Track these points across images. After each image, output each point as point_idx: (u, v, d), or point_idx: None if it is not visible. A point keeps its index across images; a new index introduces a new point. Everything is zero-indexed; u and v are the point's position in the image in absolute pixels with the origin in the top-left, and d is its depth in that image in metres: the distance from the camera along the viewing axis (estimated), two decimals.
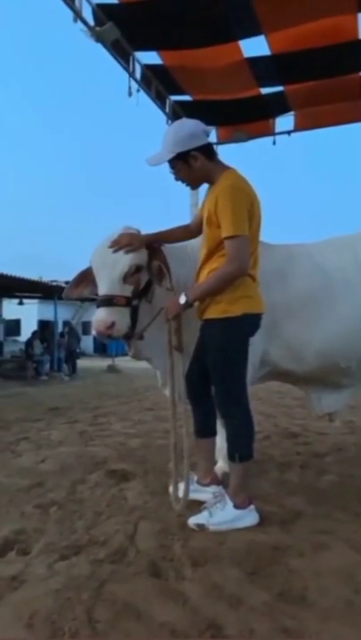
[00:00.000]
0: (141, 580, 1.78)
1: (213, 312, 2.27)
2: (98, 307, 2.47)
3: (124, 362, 16.49)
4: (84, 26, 4.34)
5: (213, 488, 2.46)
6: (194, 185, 2.47)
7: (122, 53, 4.85)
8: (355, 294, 2.78)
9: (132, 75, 5.10)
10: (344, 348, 2.77)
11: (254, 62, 5.06)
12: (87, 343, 25.60)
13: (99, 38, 4.36)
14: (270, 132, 6.44)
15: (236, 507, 2.23)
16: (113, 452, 3.70)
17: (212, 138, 6.80)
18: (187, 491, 2.34)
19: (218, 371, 2.32)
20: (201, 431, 2.59)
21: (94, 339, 26.37)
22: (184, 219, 6.88)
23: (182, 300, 2.31)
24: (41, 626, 1.51)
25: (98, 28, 4.34)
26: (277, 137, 6.45)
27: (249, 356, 2.51)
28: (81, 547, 2.05)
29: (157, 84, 5.55)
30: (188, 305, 2.33)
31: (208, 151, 2.32)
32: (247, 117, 6.20)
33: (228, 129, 6.57)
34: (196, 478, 2.54)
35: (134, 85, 5.23)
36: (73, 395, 8.30)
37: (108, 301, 2.43)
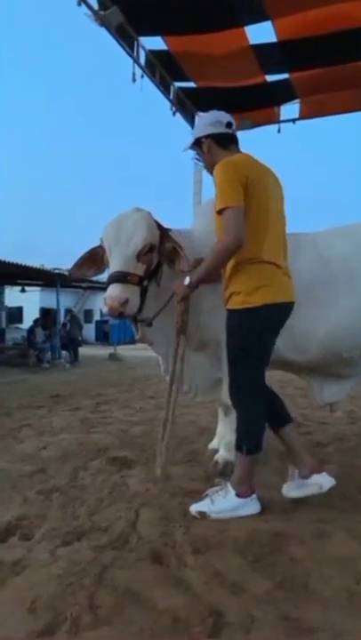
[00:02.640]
0: (143, 566, 1.79)
1: (234, 303, 2.24)
2: (110, 283, 2.44)
3: (125, 350, 16.52)
4: (88, 9, 4.28)
5: (315, 478, 2.27)
6: (210, 171, 2.45)
7: (126, 38, 4.79)
8: (358, 285, 2.76)
9: (136, 60, 5.05)
10: (347, 339, 2.76)
11: (260, 49, 4.99)
12: (89, 331, 25.62)
13: (103, 22, 4.31)
14: (275, 119, 6.38)
15: (238, 495, 2.24)
16: (115, 439, 3.71)
17: None
18: (163, 460, 2.44)
19: (232, 361, 2.30)
20: (271, 421, 2.39)
21: (96, 326, 26.40)
22: (188, 205, 6.85)
23: (186, 281, 2.32)
24: (43, 611, 1.53)
25: (102, 12, 4.29)
26: (282, 125, 6.40)
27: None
28: (83, 533, 2.06)
29: (161, 70, 5.49)
30: (193, 286, 2.33)
31: (221, 139, 2.38)
32: (252, 105, 6.13)
33: (233, 116, 6.50)
34: (296, 473, 2.35)
35: (138, 71, 5.17)
36: (75, 382, 8.31)
37: (123, 278, 2.41)
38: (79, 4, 4.12)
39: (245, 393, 2.30)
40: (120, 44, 4.77)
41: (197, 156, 2.50)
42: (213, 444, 3.20)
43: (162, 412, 4.80)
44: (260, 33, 4.79)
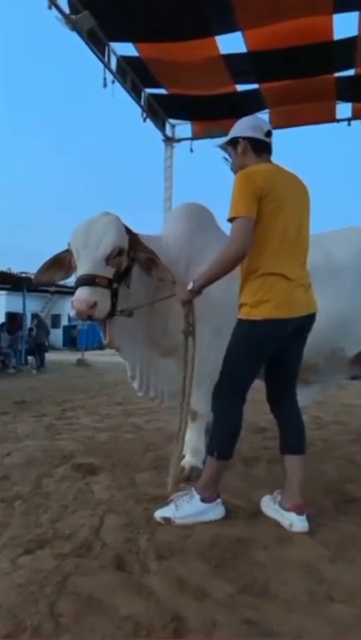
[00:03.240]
0: (106, 573, 1.77)
1: (241, 313, 2.24)
2: (78, 286, 2.42)
3: (94, 356, 16.38)
4: (59, 13, 4.27)
5: (291, 515, 2.17)
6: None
7: (97, 43, 4.80)
8: (323, 293, 2.82)
9: (107, 65, 5.06)
10: (312, 346, 2.80)
11: (230, 59, 5.08)
12: (56, 336, 25.31)
13: (74, 26, 4.31)
14: None
15: (202, 500, 2.23)
16: (80, 445, 3.67)
17: (187, 133, 6.81)
18: (175, 475, 2.41)
19: (223, 367, 2.28)
20: (282, 446, 2.35)
21: (64, 331, 26.09)
22: (158, 212, 6.87)
23: (190, 286, 2.34)
24: (3, 620, 1.49)
25: (73, 16, 4.29)
26: None
27: (221, 348, 2.52)
28: (46, 540, 2.03)
29: (133, 75, 5.52)
30: (196, 292, 2.34)
31: (257, 145, 2.35)
32: (222, 114, 6.21)
33: (203, 124, 6.58)
34: (279, 499, 2.29)
35: (109, 77, 5.18)
36: (41, 388, 8.19)
37: (91, 280, 2.40)
38: (50, 8, 4.11)
39: (225, 399, 2.28)
40: (91, 49, 4.78)
41: (226, 156, 2.46)
42: None
43: (128, 419, 4.80)
44: (231, 43, 4.88)
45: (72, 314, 2.45)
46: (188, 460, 2.91)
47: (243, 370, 2.28)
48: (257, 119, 2.46)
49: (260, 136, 2.34)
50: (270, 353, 2.27)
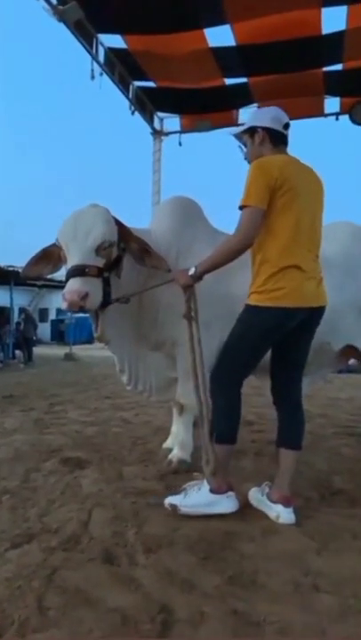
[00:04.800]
0: (94, 566, 1.78)
1: (249, 299, 2.23)
2: (68, 278, 2.41)
3: (82, 350, 16.34)
4: (46, 4, 4.23)
5: (278, 507, 2.18)
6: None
7: (85, 35, 4.76)
8: None
9: (95, 57, 5.02)
10: None
11: (219, 52, 5.06)
12: (44, 330, 25.17)
13: (61, 17, 4.26)
14: (233, 122, 6.46)
15: (212, 491, 2.20)
16: (68, 439, 3.66)
17: (176, 126, 6.79)
18: (212, 455, 2.23)
19: (223, 350, 2.29)
20: (280, 440, 2.33)
21: (52, 325, 25.95)
22: (147, 205, 6.84)
23: (191, 271, 2.32)
24: None
25: (60, 7, 4.24)
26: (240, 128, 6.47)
27: (208, 343, 2.53)
28: (33, 534, 2.03)
29: (121, 68, 5.48)
30: (197, 277, 2.33)
31: (274, 136, 2.33)
32: (211, 107, 6.21)
33: (192, 118, 6.56)
34: (267, 490, 2.30)
35: (97, 68, 5.14)
36: (29, 383, 8.15)
37: (81, 271, 2.39)
38: None
39: (223, 384, 2.27)
40: (79, 41, 4.73)
41: (242, 145, 2.43)
42: (168, 444, 3.21)
43: (117, 412, 4.80)
44: (220, 36, 4.86)
45: (64, 306, 2.43)
46: (176, 453, 2.92)
47: (245, 356, 2.27)
48: (277, 110, 2.40)
49: (279, 128, 2.33)
50: (274, 342, 2.27)
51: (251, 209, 2.12)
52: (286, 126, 2.35)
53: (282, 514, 2.17)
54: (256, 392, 5.82)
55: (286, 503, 2.19)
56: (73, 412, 4.94)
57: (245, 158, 2.42)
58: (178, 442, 2.98)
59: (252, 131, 2.35)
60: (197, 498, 2.20)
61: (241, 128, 2.42)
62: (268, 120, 2.32)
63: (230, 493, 2.25)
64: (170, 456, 2.93)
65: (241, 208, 2.15)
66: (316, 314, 2.26)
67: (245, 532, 2.05)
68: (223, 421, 2.26)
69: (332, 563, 1.81)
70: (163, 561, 1.81)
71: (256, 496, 2.33)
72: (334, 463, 2.95)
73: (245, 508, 2.29)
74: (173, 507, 2.20)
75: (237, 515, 2.23)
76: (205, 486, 2.22)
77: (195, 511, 2.18)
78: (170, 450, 3.03)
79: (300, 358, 2.38)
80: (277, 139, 2.33)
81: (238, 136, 2.44)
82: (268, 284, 2.16)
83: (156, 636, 1.39)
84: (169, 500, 2.23)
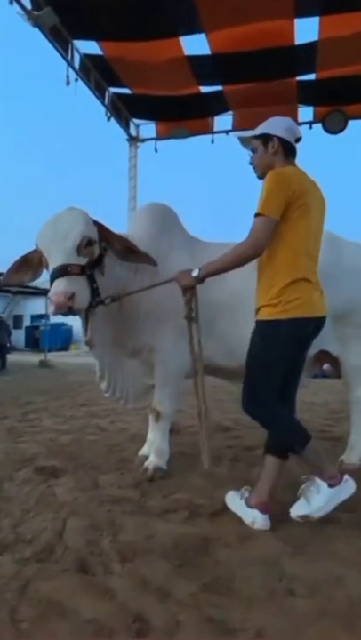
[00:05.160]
0: (68, 576, 1.76)
1: (263, 314, 2.22)
2: (52, 280, 2.39)
3: (57, 357, 16.17)
4: (21, 9, 4.20)
5: (255, 513, 2.19)
6: (260, 171, 2.37)
7: (60, 41, 4.75)
8: None
9: (70, 63, 5.01)
10: None
11: (194, 60, 5.11)
12: (18, 337, 24.84)
13: (36, 23, 4.24)
14: (209, 130, 6.52)
15: (330, 486, 2.16)
16: (43, 448, 3.61)
17: (151, 133, 6.81)
18: (207, 449, 2.39)
19: (252, 367, 2.26)
20: (270, 447, 2.32)
21: (27, 332, 25.63)
22: (122, 209, 6.84)
23: (195, 273, 2.32)
24: None
25: (35, 12, 4.22)
26: (215, 135, 6.55)
27: (186, 350, 2.54)
28: (6, 546, 1.99)
29: (96, 74, 5.48)
30: (200, 279, 2.33)
31: (288, 148, 2.33)
32: (186, 115, 6.25)
33: (168, 125, 6.60)
34: (246, 495, 2.30)
35: (72, 74, 5.13)
36: (2, 390, 8.02)
37: (64, 270, 2.38)
38: (11, 3, 4.03)
39: (268, 402, 2.24)
40: (54, 46, 4.72)
41: (252, 151, 2.38)
42: (144, 451, 3.20)
43: (92, 420, 4.76)
44: (195, 45, 4.91)
45: (51, 310, 2.40)
46: (152, 460, 2.91)
47: (275, 371, 2.24)
48: (291, 122, 2.42)
49: (292, 140, 2.34)
50: (296, 352, 2.30)
51: (266, 219, 2.14)
52: (298, 140, 2.37)
53: (257, 519, 2.17)
54: (232, 398, 5.86)
55: (264, 509, 2.19)
56: (47, 420, 4.87)
57: (251, 163, 2.41)
58: (154, 449, 2.96)
59: (266, 138, 2.32)
60: (322, 499, 2.15)
61: (252, 132, 2.38)
62: (282, 130, 2.31)
63: (346, 477, 2.20)
64: (146, 463, 2.92)
65: (256, 215, 2.17)
66: (320, 324, 2.29)
67: (221, 538, 2.05)
68: (289, 432, 2.24)
69: (306, 567, 1.83)
70: (138, 569, 1.80)
71: (234, 499, 2.33)
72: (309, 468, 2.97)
73: (220, 515, 2.29)
74: (304, 517, 2.15)
75: (213, 521, 2.23)
76: (322, 484, 2.17)
77: (326, 510, 2.13)
78: (146, 457, 3.02)
79: (298, 368, 2.40)
80: (289, 150, 2.34)
81: (246, 140, 2.41)
82: (283, 296, 2.17)
83: None
84: (297, 512, 2.18)
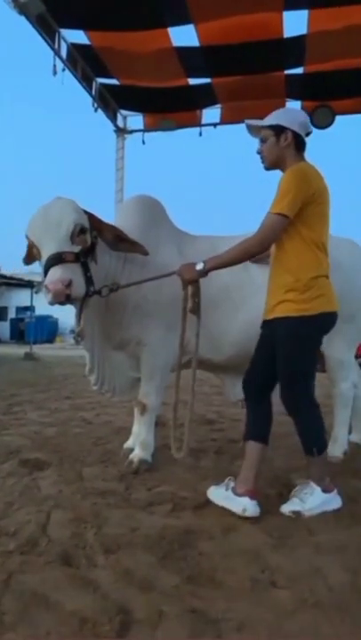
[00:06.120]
0: (52, 569, 1.76)
1: (289, 310, 2.24)
2: (47, 269, 2.38)
3: (42, 349, 16.08)
4: None
5: (245, 500, 2.21)
6: (268, 163, 2.37)
7: (47, 29, 4.67)
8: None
9: (57, 52, 4.93)
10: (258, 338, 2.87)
11: (183, 51, 5.06)
12: (3, 329, 24.65)
13: (21, 10, 4.17)
14: (197, 122, 6.48)
15: (324, 491, 2.26)
16: (27, 441, 3.60)
17: (139, 125, 6.76)
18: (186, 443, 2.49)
19: (290, 368, 2.28)
20: (250, 433, 2.37)
21: (11, 324, 25.42)
22: (109, 202, 6.79)
23: (199, 266, 2.33)
24: None
25: (21, 0, 4.15)
26: (203, 128, 6.51)
27: (172, 344, 2.55)
28: None
29: (84, 64, 5.40)
30: (204, 273, 2.34)
31: (300, 142, 2.33)
32: (174, 107, 6.20)
33: (155, 116, 6.54)
34: (232, 485, 2.32)
35: (59, 64, 5.06)
36: None
37: (58, 258, 2.37)
38: None
39: (307, 399, 2.30)
40: (41, 35, 4.64)
41: (261, 141, 2.36)
42: (129, 444, 3.20)
43: (77, 413, 4.75)
44: (184, 36, 4.86)
45: (48, 299, 2.39)
46: (137, 453, 2.91)
47: (309, 364, 2.33)
48: (305, 116, 2.43)
49: (303, 134, 2.34)
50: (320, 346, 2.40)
51: (280, 217, 2.16)
52: (308, 134, 2.37)
53: (248, 507, 2.20)
54: (216, 391, 5.89)
55: (252, 496, 2.24)
56: (32, 413, 4.85)
57: (258, 152, 2.39)
58: (139, 442, 2.97)
59: (279, 129, 2.30)
60: (315, 500, 2.24)
61: (264, 122, 2.35)
62: (298, 125, 2.31)
63: (335, 491, 2.31)
64: (131, 456, 2.92)
65: (270, 212, 2.18)
66: (336, 318, 2.35)
67: (205, 530, 2.07)
68: (317, 434, 2.32)
69: (288, 558, 1.85)
70: (122, 561, 1.80)
71: (219, 492, 2.34)
72: (292, 460, 3.01)
73: (204, 507, 2.31)
74: (296, 513, 2.21)
75: (197, 513, 2.25)
76: (316, 488, 2.26)
77: (314, 512, 2.21)
78: (131, 450, 3.02)
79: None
80: (300, 145, 2.35)
81: (255, 129, 2.39)
82: (310, 292, 2.22)
83: (114, 638, 1.39)
84: (289, 508, 2.24)
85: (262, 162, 2.39)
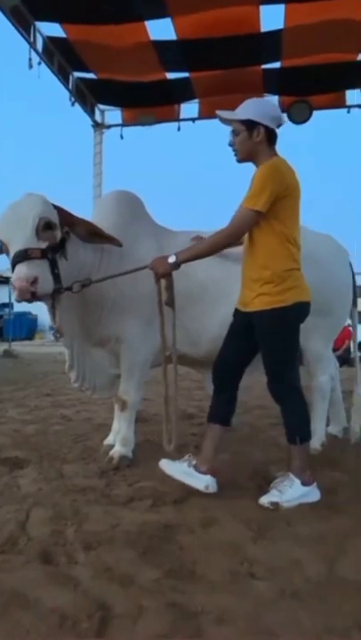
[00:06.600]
0: (32, 567, 1.75)
1: (266, 303, 2.28)
2: (14, 266, 2.36)
3: (22, 346, 15.91)
4: None
5: (207, 478, 2.34)
6: (241, 156, 2.38)
7: (22, 22, 4.60)
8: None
9: (32, 46, 4.86)
10: None
11: (160, 45, 5.02)
12: None
13: None
14: (175, 117, 6.46)
15: (303, 483, 2.30)
16: (7, 439, 3.56)
17: (117, 119, 6.72)
18: (174, 434, 2.57)
19: (274, 359, 2.35)
20: (217, 417, 2.50)
21: None
22: (87, 197, 6.74)
23: (172, 259, 2.34)
24: None
25: None
26: (182, 123, 6.49)
27: (151, 340, 2.55)
28: None
29: (60, 58, 5.34)
30: (176, 265, 2.36)
31: (272, 136, 2.35)
32: (152, 101, 6.17)
33: (133, 111, 6.50)
34: (194, 462, 2.41)
35: (35, 57, 4.99)
36: None
37: (23, 255, 2.35)
38: None
39: (293, 388, 2.37)
40: (16, 28, 4.57)
41: (233, 132, 2.36)
42: (109, 440, 3.20)
43: (57, 410, 4.72)
44: (161, 30, 4.83)
45: (15, 296, 2.38)
46: (118, 449, 2.91)
47: (291, 353, 2.38)
48: (277, 110, 2.45)
49: (275, 127, 2.35)
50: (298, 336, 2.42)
51: (253, 212, 2.20)
52: (279, 126, 2.39)
53: (210, 483, 2.32)
54: (197, 386, 5.90)
55: (213, 474, 2.35)
56: (12, 411, 4.80)
57: (230, 144, 2.40)
58: (119, 438, 2.97)
59: (251, 124, 2.31)
60: (294, 492, 2.28)
61: (236, 114, 2.35)
62: (268, 119, 2.31)
63: (315, 484, 2.35)
64: (111, 452, 2.92)
65: (242, 205, 2.22)
66: (310, 309, 2.42)
67: (184, 524, 2.08)
68: (302, 423, 2.38)
69: (267, 550, 1.87)
70: (102, 558, 1.80)
71: (179, 467, 2.41)
72: (271, 453, 3.04)
73: (184, 501, 2.32)
74: (275, 504, 2.24)
75: (176, 507, 2.26)
76: (296, 480, 2.30)
77: (293, 504, 2.24)
78: (111, 446, 3.02)
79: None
80: (273, 138, 2.37)
81: (227, 121, 2.40)
82: (284, 283, 2.27)
83: (93, 634, 1.39)
84: (268, 499, 2.27)
85: (235, 155, 2.41)
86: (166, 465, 2.44)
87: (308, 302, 2.36)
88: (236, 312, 2.48)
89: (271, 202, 2.19)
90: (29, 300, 2.39)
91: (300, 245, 2.36)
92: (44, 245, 2.43)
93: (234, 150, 2.40)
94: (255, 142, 2.32)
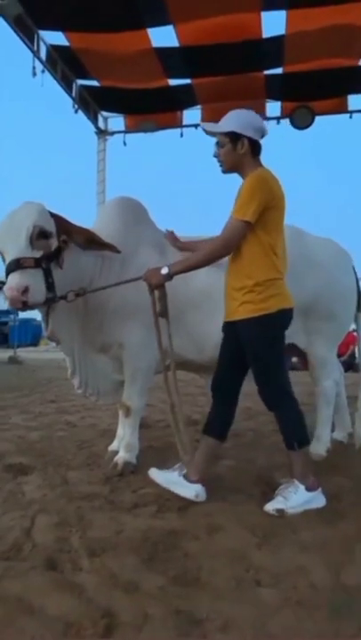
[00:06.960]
0: (36, 574, 1.74)
1: (249, 312, 2.29)
2: (7, 274, 2.38)
3: (26, 352, 15.94)
4: None
5: (197, 487, 2.35)
6: (226, 167, 2.40)
7: (26, 31, 4.64)
8: None
9: (36, 54, 4.91)
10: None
11: (162, 52, 5.06)
12: None
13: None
14: (178, 123, 6.49)
15: (308, 489, 2.29)
16: (11, 445, 3.57)
17: (120, 126, 6.76)
18: (189, 446, 2.52)
19: (262, 366, 2.35)
20: (213, 430, 2.47)
21: None
22: (91, 203, 6.77)
23: (164, 271, 2.35)
24: None
25: None
26: (184, 129, 6.52)
27: (154, 345, 2.55)
28: None
29: (63, 65, 5.38)
30: (169, 277, 2.36)
31: (256, 147, 2.37)
32: (155, 108, 6.21)
33: (136, 118, 6.54)
34: (184, 472, 2.41)
35: (39, 66, 5.03)
36: None
37: (16, 264, 2.36)
38: None
39: (280, 392, 2.37)
40: (19, 36, 4.61)
41: (218, 145, 2.39)
42: (113, 446, 3.19)
43: (62, 416, 4.72)
44: (163, 37, 4.87)
45: (8, 304, 2.40)
46: (122, 455, 2.91)
47: (278, 359, 2.39)
48: (260, 121, 2.45)
49: (259, 139, 2.37)
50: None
51: (244, 224, 2.22)
52: (263, 137, 2.40)
53: (200, 492, 2.33)
54: (201, 392, 5.89)
55: (203, 484, 2.36)
56: (16, 417, 4.81)
57: (215, 156, 2.42)
58: (123, 444, 2.96)
59: (235, 136, 2.33)
60: (298, 498, 2.27)
61: (220, 126, 2.37)
62: (252, 131, 2.33)
63: (320, 490, 2.34)
64: (115, 458, 2.92)
65: (232, 216, 2.24)
66: (292, 315, 2.43)
67: (189, 530, 2.07)
68: (298, 428, 2.36)
69: (272, 557, 1.86)
70: (107, 564, 1.80)
71: (168, 476, 2.43)
72: (275, 459, 3.03)
73: (188, 508, 2.31)
74: (280, 511, 2.23)
75: (181, 514, 2.25)
76: (300, 486, 2.29)
77: (298, 510, 2.24)
78: (115, 453, 3.02)
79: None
80: (257, 149, 2.38)
81: (211, 133, 2.42)
82: (266, 292, 2.28)
83: None
84: (273, 506, 2.26)
85: (220, 166, 2.43)
86: (155, 474, 2.45)
87: (290, 309, 2.37)
88: (225, 326, 2.49)
89: (259, 212, 2.22)
90: (21, 309, 2.44)
91: (284, 255, 2.38)
92: (38, 254, 2.44)
93: (219, 162, 2.42)
94: (240, 154, 2.34)
